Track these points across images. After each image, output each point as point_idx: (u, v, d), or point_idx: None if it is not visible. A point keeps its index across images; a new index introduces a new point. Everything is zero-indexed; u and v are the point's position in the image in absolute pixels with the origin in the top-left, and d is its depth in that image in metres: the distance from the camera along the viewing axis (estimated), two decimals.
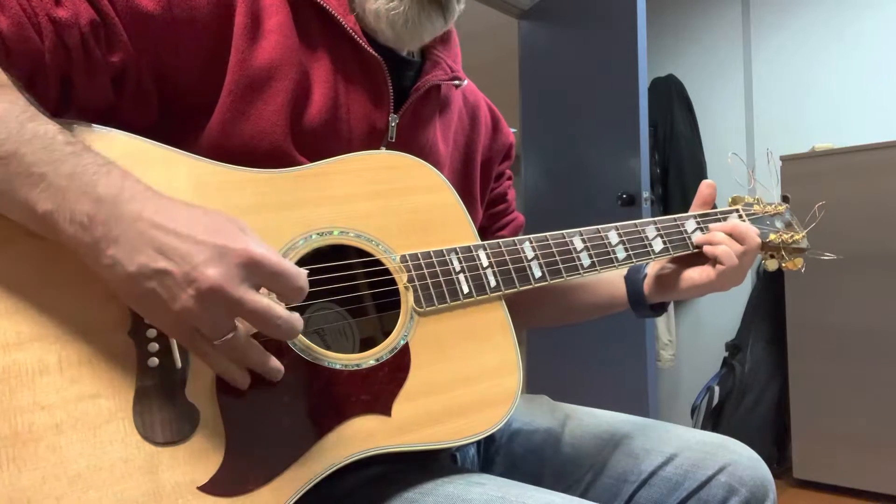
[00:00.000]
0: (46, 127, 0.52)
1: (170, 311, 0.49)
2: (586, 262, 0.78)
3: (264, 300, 0.50)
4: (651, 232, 0.83)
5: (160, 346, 0.54)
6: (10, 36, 0.56)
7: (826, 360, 2.41)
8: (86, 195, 0.49)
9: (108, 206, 0.49)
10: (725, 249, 0.80)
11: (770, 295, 2.79)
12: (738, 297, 2.97)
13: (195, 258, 0.49)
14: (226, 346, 0.51)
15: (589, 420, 0.87)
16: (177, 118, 0.67)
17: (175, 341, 0.54)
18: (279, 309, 0.51)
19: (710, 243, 0.82)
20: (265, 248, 0.51)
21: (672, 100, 3.15)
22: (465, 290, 0.70)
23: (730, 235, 0.82)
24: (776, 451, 2.68)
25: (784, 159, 2.54)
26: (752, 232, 0.82)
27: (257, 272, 0.50)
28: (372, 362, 0.63)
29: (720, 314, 3.09)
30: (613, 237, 0.80)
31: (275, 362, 0.55)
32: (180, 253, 0.49)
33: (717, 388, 2.79)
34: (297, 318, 0.52)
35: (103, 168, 0.51)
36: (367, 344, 0.71)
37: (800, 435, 2.48)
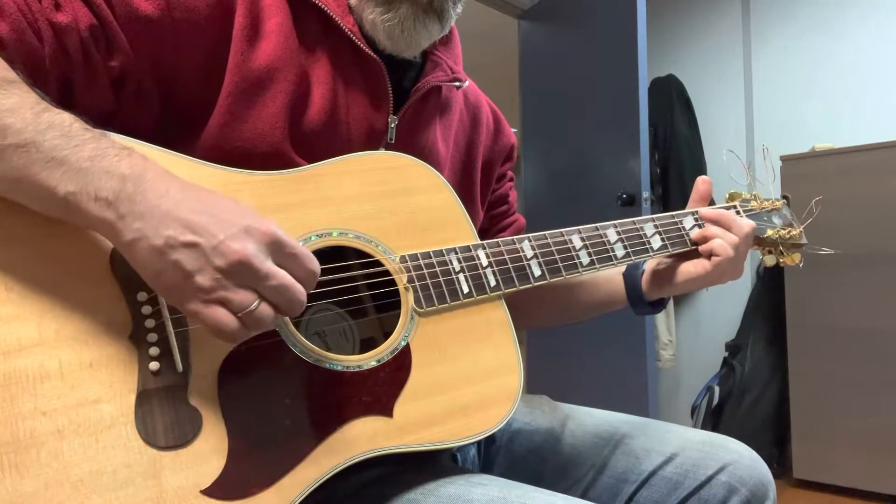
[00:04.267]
0: (62, 116, 0.52)
1: (192, 282, 0.49)
2: (585, 260, 0.78)
3: (288, 276, 0.52)
4: (649, 229, 0.83)
5: (161, 349, 0.54)
6: (10, 41, 0.56)
7: (826, 360, 2.41)
8: (109, 174, 0.50)
9: (133, 183, 0.50)
10: (720, 242, 0.80)
11: (770, 295, 2.79)
12: (737, 297, 2.98)
13: (223, 233, 0.50)
14: (248, 317, 0.51)
15: (589, 420, 0.87)
16: (175, 120, 0.67)
17: (176, 345, 0.54)
18: (299, 285, 0.53)
19: (705, 238, 0.82)
20: (284, 232, 0.53)
21: (672, 100, 3.15)
22: (465, 289, 0.70)
23: (717, 223, 0.82)
24: (776, 451, 2.68)
25: (784, 159, 2.55)
26: (740, 220, 0.83)
27: (279, 251, 0.52)
28: (373, 363, 0.63)
29: (720, 314, 3.09)
30: (612, 235, 0.81)
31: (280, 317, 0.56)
32: (208, 228, 0.50)
33: (717, 388, 2.79)
34: (305, 298, 0.54)
35: (124, 151, 0.52)
36: (367, 345, 0.71)
37: (800, 435, 2.48)
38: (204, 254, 0.49)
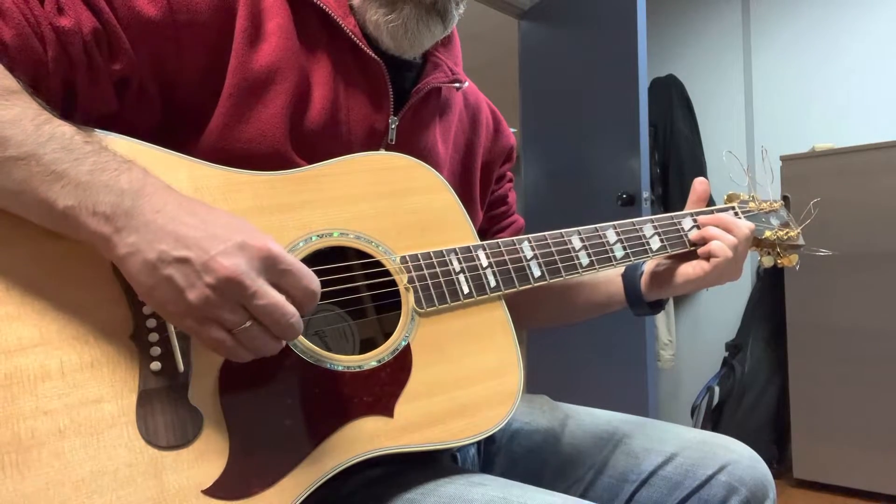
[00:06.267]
0: (63, 128, 0.52)
1: (184, 299, 0.49)
2: (585, 260, 0.78)
3: (279, 295, 0.51)
4: (648, 230, 0.83)
5: (162, 349, 0.54)
6: (13, 45, 0.56)
7: (826, 360, 2.41)
8: (108, 188, 0.50)
9: (131, 197, 0.51)
10: (719, 244, 0.80)
11: (770, 295, 2.79)
12: (738, 297, 2.98)
13: (215, 249, 0.50)
14: (243, 335, 0.51)
15: (589, 420, 0.87)
16: (177, 121, 0.67)
17: (177, 345, 0.54)
18: (291, 306, 0.52)
19: (704, 239, 0.82)
20: (282, 248, 0.52)
21: (672, 100, 3.15)
22: (466, 290, 0.70)
23: (716, 225, 0.82)
24: (776, 451, 2.68)
25: (784, 159, 2.55)
26: (739, 222, 0.83)
27: (273, 268, 0.51)
28: (374, 364, 0.63)
29: (720, 314, 3.09)
30: (611, 236, 0.81)
31: (281, 344, 0.55)
32: (200, 243, 0.50)
33: (717, 388, 2.79)
34: (300, 321, 0.53)
35: (124, 165, 0.52)
36: (367, 345, 0.72)
37: (800, 435, 2.48)
38: (195, 270, 0.49)
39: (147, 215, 0.50)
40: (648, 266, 0.87)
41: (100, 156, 0.52)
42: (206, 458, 0.53)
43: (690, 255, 0.84)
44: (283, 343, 0.55)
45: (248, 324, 0.51)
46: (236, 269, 0.49)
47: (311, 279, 0.53)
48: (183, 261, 0.49)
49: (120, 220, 0.50)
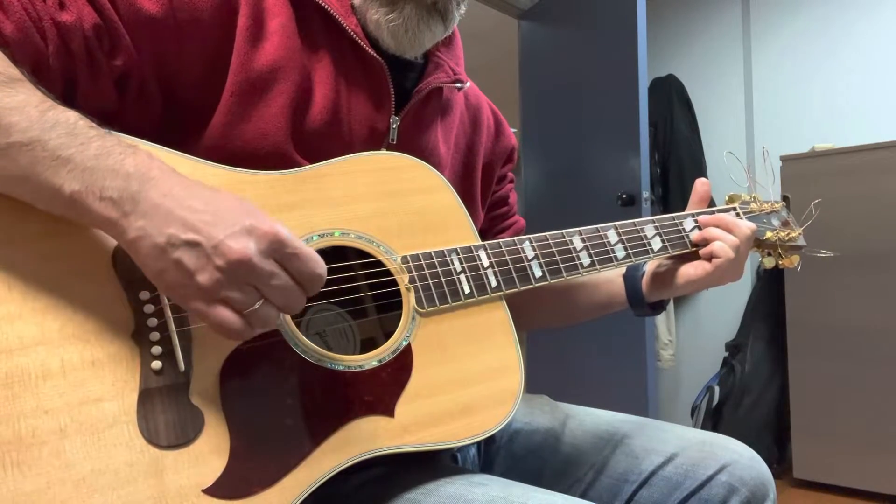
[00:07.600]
0: (67, 114, 0.52)
1: (194, 281, 0.49)
2: (586, 261, 0.78)
3: (286, 276, 0.52)
4: (650, 231, 0.83)
5: (163, 348, 0.54)
6: (14, 40, 0.56)
7: (826, 360, 2.41)
8: (115, 173, 0.50)
9: (137, 181, 0.51)
10: (721, 244, 0.80)
11: (770, 295, 2.79)
12: (737, 297, 2.98)
13: (223, 232, 0.50)
14: (253, 317, 0.52)
15: (589, 420, 0.87)
16: (178, 119, 0.67)
17: (178, 344, 0.54)
18: (298, 288, 0.53)
19: (706, 240, 0.82)
20: (289, 231, 0.52)
21: (672, 100, 3.15)
22: (467, 290, 0.70)
23: (718, 226, 0.82)
24: (776, 451, 2.68)
25: (784, 159, 2.55)
26: (741, 222, 0.83)
27: (280, 251, 0.51)
28: (374, 363, 0.63)
29: (720, 314, 3.09)
30: (612, 236, 0.81)
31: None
32: (210, 227, 0.50)
33: (717, 388, 2.79)
34: (305, 302, 0.54)
35: (129, 148, 0.53)
36: (367, 345, 0.72)
37: (800, 435, 2.48)
38: (205, 253, 0.49)
39: (155, 199, 0.50)
40: (650, 266, 0.87)
41: (105, 140, 0.52)
42: (207, 458, 0.53)
43: (692, 256, 0.84)
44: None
45: (258, 304, 0.51)
46: (246, 251, 0.49)
47: (318, 262, 0.54)
48: (192, 244, 0.49)
49: (127, 205, 0.50)
